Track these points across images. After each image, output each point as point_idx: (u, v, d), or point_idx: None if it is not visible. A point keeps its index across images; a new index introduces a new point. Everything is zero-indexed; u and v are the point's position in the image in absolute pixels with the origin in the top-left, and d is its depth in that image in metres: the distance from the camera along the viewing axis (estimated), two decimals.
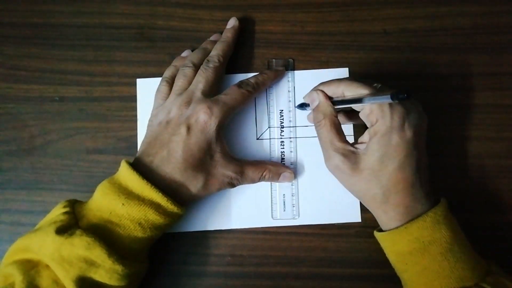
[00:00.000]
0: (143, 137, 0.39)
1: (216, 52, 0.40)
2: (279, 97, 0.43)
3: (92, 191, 0.41)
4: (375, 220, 0.37)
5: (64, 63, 0.44)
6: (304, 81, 0.43)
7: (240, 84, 0.39)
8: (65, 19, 0.44)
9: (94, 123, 0.43)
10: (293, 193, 0.41)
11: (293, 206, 0.41)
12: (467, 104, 0.42)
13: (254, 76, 0.41)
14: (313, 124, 0.40)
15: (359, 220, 0.40)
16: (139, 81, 0.43)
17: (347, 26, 0.44)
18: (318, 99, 0.37)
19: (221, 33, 0.43)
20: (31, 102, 0.43)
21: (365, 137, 0.35)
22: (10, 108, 0.43)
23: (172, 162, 0.35)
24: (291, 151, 0.42)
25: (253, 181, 0.39)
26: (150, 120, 0.39)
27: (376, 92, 0.34)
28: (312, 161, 0.41)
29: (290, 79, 0.43)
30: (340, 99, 0.36)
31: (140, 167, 0.35)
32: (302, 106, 0.41)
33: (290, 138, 0.42)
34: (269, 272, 0.40)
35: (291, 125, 0.42)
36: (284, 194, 0.41)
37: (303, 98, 0.40)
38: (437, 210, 0.34)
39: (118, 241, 0.33)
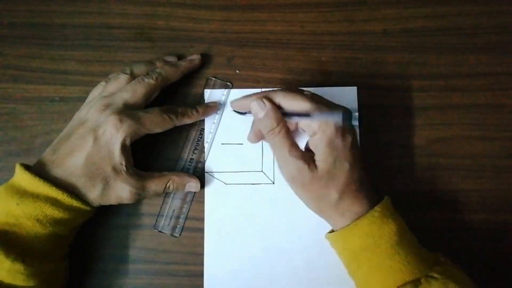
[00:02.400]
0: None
1: (159, 71, 0.40)
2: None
3: None
4: None
5: (64, 63, 0.44)
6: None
7: (165, 110, 0.39)
8: (65, 19, 0.44)
9: None
10: (182, 212, 0.41)
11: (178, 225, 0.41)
12: (467, 104, 0.42)
13: (183, 107, 0.40)
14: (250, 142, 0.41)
15: None
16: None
17: (347, 26, 0.44)
18: (266, 107, 0.36)
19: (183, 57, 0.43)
20: (31, 102, 0.43)
21: (310, 145, 0.36)
22: (10, 108, 0.43)
23: (72, 166, 0.35)
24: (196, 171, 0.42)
25: (157, 193, 0.39)
26: (75, 114, 0.39)
27: (323, 108, 0.35)
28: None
29: (223, 98, 0.43)
30: (288, 111, 0.36)
31: (41, 164, 0.35)
32: (241, 112, 0.40)
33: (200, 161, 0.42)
34: None
35: (207, 147, 0.42)
36: (174, 210, 0.41)
37: (234, 106, 0.40)
38: (384, 205, 0.35)
39: (18, 241, 0.33)
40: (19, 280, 0.32)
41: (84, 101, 0.43)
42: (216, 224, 0.41)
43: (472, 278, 0.40)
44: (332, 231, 0.37)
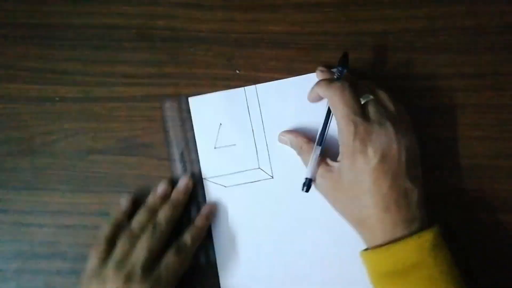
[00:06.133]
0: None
1: (163, 215, 0.38)
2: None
3: (92, 191, 0.41)
4: None
5: (64, 63, 0.44)
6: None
7: (178, 249, 0.37)
8: (65, 19, 0.44)
9: (94, 123, 0.43)
10: None
11: None
12: (467, 104, 0.42)
13: (189, 232, 0.39)
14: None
15: None
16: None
17: (347, 26, 0.44)
18: (289, 141, 0.40)
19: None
20: (31, 102, 0.43)
21: (339, 156, 0.36)
22: (10, 108, 0.43)
23: None
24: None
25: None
26: (82, 284, 0.36)
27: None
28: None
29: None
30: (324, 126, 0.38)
31: None
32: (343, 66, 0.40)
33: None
34: None
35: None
36: None
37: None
38: (422, 235, 0.33)
39: None
40: None
41: (84, 101, 0.43)
42: (223, 228, 0.41)
43: (472, 278, 0.40)
44: (367, 248, 0.36)
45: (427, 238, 0.33)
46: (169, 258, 0.37)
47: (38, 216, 0.41)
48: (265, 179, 0.41)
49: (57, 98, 0.43)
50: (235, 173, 0.41)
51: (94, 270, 0.36)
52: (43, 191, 0.42)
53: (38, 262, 0.41)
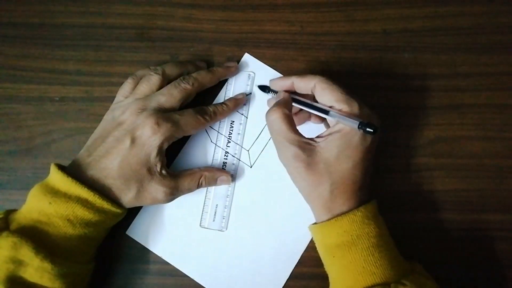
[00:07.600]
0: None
1: (195, 76, 0.40)
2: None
3: None
4: None
5: (64, 63, 0.44)
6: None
7: (198, 111, 0.39)
8: (65, 19, 0.44)
9: (94, 123, 0.42)
10: (226, 205, 0.41)
11: (223, 218, 0.41)
12: (467, 104, 0.42)
13: (214, 105, 0.41)
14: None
15: None
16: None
17: (347, 26, 0.44)
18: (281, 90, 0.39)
19: (210, 64, 0.43)
20: (31, 102, 0.43)
21: (325, 133, 0.36)
22: (10, 108, 0.43)
23: (108, 168, 0.35)
24: (233, 163, 0.42)
25: (190, 190, 0.39)
26: (106, 114, 0.39)
27: (344, 112, 0.35)
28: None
29: (248, 89, 0.43)
30: (306, 101, 0.37)
31: (77, 165, 0.36)
32: (264, 88, 0.42)
33: (235, 152, 0.42)
34: None
35: (238, 138, 0.42)
36: (217, 205, 0.41)
37: (270, 81, 0.41)
38: (367, 207, 0.34)
39: (48, 240, 0.33)
40: (45, 279, 0.32)
41: (84, 101, 0.43)
42: (180, 165, 0.42)
43: (471, 277, 0.40)
44: (315, 223, 0.37)
45: (370, 209, 0.35)
46: (187, 111, 0.38)
47: None
48: (244, 163, 0.42)
49: (57, 98, 0.43)
50: (227, 137, 0.42)
51: (116, 103, 0.39)
52: None
53: None
